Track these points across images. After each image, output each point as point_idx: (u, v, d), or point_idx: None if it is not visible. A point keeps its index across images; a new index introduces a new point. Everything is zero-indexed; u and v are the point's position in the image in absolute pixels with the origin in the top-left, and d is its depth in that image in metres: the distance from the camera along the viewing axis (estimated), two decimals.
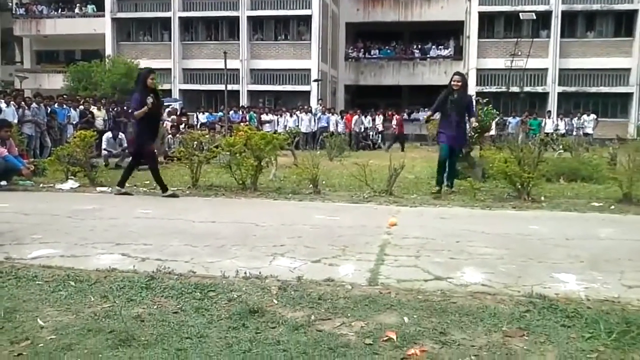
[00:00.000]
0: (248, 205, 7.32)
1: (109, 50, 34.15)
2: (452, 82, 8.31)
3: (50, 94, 18.25)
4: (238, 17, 33.77)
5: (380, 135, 27.23)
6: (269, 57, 34.06)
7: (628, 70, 30.95)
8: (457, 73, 8.69)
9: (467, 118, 8.52)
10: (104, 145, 13.28)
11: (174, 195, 7.95)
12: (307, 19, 33.57)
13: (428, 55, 37.69)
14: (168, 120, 17.40)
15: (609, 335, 2.78)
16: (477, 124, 9.46)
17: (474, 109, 9.08)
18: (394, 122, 25.84)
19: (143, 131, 8.10)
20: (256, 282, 3.67)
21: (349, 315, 3.10)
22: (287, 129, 22.10)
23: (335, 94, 38.14)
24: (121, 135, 13.97)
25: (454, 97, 8.24)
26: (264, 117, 25.53)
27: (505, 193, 8.08)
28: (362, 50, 39.59)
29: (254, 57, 34.00)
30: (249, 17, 33.89)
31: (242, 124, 20.05)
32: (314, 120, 25.30)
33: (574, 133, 24.55)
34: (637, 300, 3.36)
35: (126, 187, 8.42)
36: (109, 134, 13.79)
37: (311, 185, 8.31)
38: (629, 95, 30.98)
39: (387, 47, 39.37)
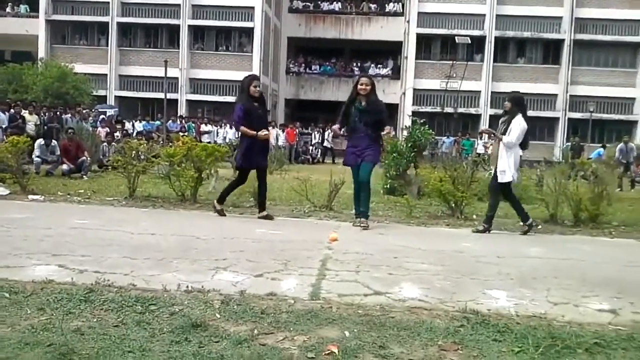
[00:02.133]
0: (188, 218, 7.25)
1: (42, 52, 33.02)
2: (359, 87, 6.82)
3: None
4: (179, 25, 33.46)
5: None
6: (209, 67, 33.81)
7: (555, 95, 32.62)
8: (364, 75, 7.35)
9: (379, 129, 7.04)
10: (36, 152, 12.79)
11: (268, 217, 7.23)
12: (249, 31, 33.65)
13: (367, 73, 38.38)
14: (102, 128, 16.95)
15: (536, 349, 2.95)
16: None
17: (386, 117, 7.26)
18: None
19: (251, 146, 7.16)
20: (198, 296, 3.66)
21: (291, 329, 3.15)
22: (227, 140, 21.95)
23: (276, 107, 38.23)
24: (54, 142, 13.48)
25: (361, 104, 6.84)
26: (203, 127, 25.26)
27: (439, 211, 8.36)
28: (303, 65, 40.02)
29: (194, 67, 33.70)
30: (190, 26, 33.63)
31: (180, 133, 19.81)
32: None
33: None
34: (562, 316, 3.59)
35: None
36: (41, 141, 13.30)
37: (252, 199, 8.31)
38: (555, 120, 32.59)
39: (327, 63, 39.98)
